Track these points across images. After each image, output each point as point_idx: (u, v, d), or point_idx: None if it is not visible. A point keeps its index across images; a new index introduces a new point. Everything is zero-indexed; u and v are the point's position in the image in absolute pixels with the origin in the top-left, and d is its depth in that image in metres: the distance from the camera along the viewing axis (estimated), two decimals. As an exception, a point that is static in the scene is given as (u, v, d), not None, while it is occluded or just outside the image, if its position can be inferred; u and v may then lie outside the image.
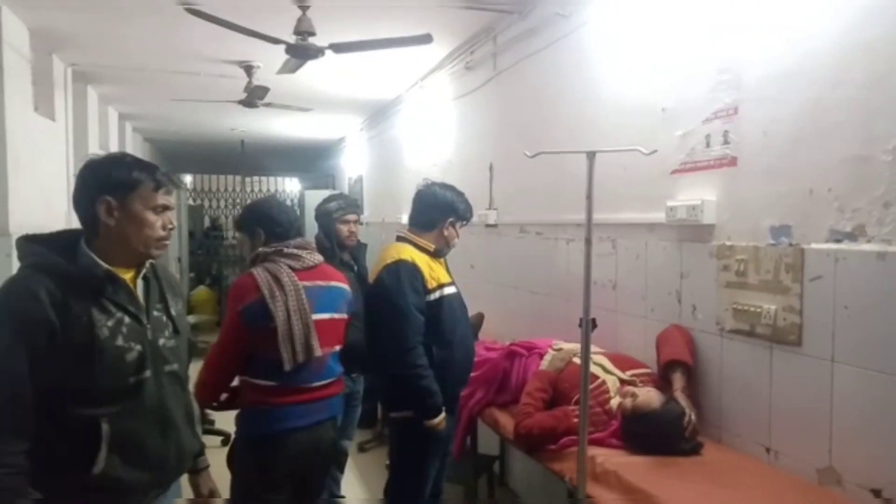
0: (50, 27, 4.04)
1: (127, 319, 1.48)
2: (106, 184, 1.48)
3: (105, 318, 1.44)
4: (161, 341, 1.55)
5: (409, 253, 2.42)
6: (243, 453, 2.11)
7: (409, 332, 2.32)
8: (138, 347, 1.48)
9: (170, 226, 1.55)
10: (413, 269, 2.37)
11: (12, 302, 1.39)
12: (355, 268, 3.29)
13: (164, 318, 1.59)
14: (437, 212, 2.53)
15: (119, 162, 1.54)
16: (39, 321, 1.37)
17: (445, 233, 2.52)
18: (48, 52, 4.54)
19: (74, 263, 1.46)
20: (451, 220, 2.53)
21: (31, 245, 1.49)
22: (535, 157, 2.08)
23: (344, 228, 3.21)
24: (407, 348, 2.32)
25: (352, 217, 3.25)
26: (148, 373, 1.50)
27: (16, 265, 3.77)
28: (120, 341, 1.45)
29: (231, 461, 2.14)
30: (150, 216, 1.51)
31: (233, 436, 2.22)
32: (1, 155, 3.55)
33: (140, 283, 1.57)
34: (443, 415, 2.37)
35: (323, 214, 3.25)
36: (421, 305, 2.36)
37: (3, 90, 3.58)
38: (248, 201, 11.42)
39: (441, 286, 2.44)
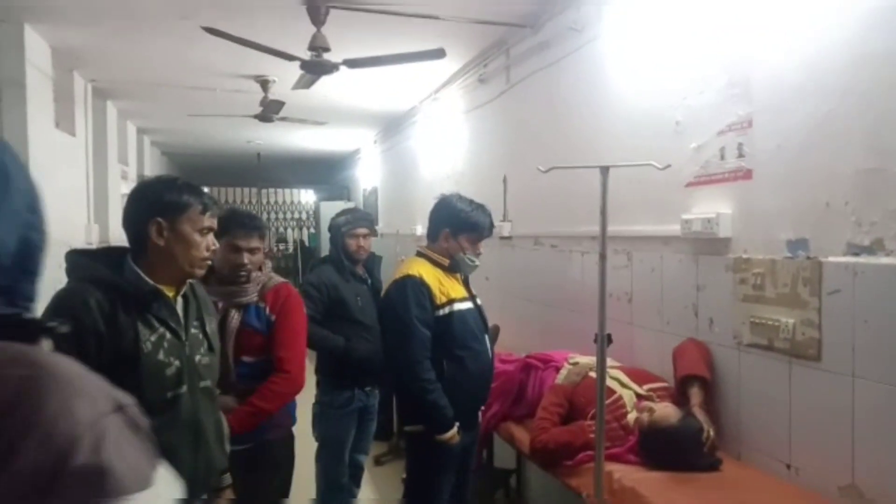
0: (71, 45, 4.13)
1: (168, 335, 1.54)
2: (158, 205, 1.55)
3: (149, 332, 1.51)
4: (197, 358, 1.61)
5: (419, 268, 2.42)
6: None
7: (414, 347, 2.32)
8: (177, 363, 1.54)
9: (213, 247, 1.62)
10: (419, 284, 2.36)
11: (64, 309, 1.44)
12: (369, 281, 3.28)
13: (201, 336, 1.65)
14: (437, 221, 2.51)
15: (171, 185, 1.60)
16: (89, 329, 1.43)
17: (445, 244, 2.46)
18: (69, 70, 4.63)
19: (122, 278, 1.52)
20: (446, 230, 2.46)
21: (81, 258, 1.57)
22: (549, 171, 2.08)
23: (352, 242, 3.19)
24: (412, 362, 2.32)
25: (361, 231, 3.22)
26: (184, 388, 1.56)
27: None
28: (161, 356, 1.51)
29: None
30: (197, 237, 1.57)
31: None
32: (23, 171, 3.63)
33: (180, 300, 1.62)
34: (454, 430, 2.35)
35: (333, 228, 3.25)
36: (427, 320, 2.34)
37: (26, 107, 3.67)
38: (265, 213, 11.54)
39: (451, 301, 2.42)
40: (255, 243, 2.21)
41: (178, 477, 0.58)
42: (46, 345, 0.62)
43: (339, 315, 3.07)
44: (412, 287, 2.36)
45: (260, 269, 2.28)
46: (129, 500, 0.50)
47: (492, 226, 2.57)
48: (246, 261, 2.18)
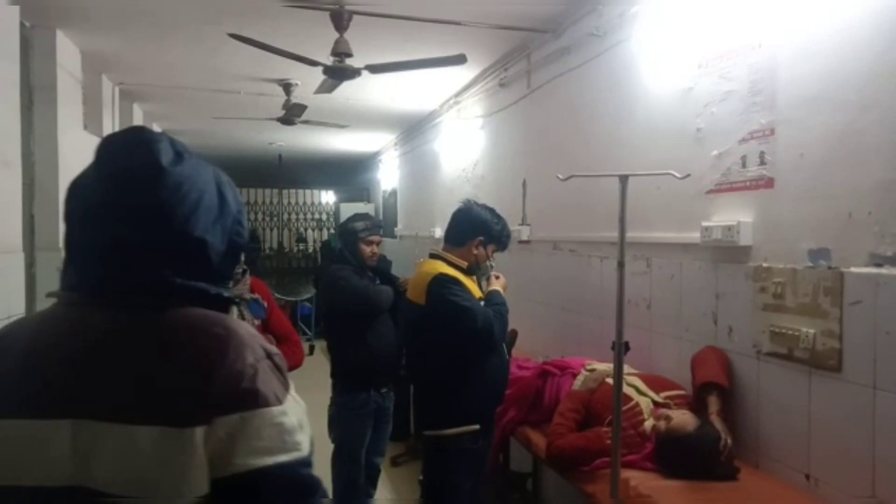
0: (100, 50, 4.23)
1: None
2: None
3: None
4: None
5: (443, 268, 2.51)
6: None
7: (481, 318, 2.40)
8: None
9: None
10: (455, 280, 2.47)
11: None
12: (377, 281, 3.35)
13: None
14: (469, 229, 2.59)
15: None
16: None
17: (475, 251, 2.57)
18: (98, 73, 4.74)
19: None
20: (480, 238, 2.57)
21: None
22: (568, 179, 2.10)
23: (367, 249, 3.23)
24: (487, 327, 2.41)
25: (376, 238, 3.29)
26: None
27: (66, 279, 3.87)
28: None
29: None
30: None
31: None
32: (53, 173, 3.71)
33: None
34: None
35: (349, 233, 3.26)
36: (477, 301, 2.47)
37: (57, 110, 3.76)
38: (285, 213, 11.65)
39: (478, 300, 2.52)
40: None
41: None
42: (233, 310, 0.99)
43: (361, 313, 3.14)
44: (451, 282, 2.45)
45: None
46: (270, 409, 0.80)
47: (510, 235, 2.76)
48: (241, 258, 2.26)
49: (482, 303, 2.53)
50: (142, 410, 0.78)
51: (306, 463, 0.83)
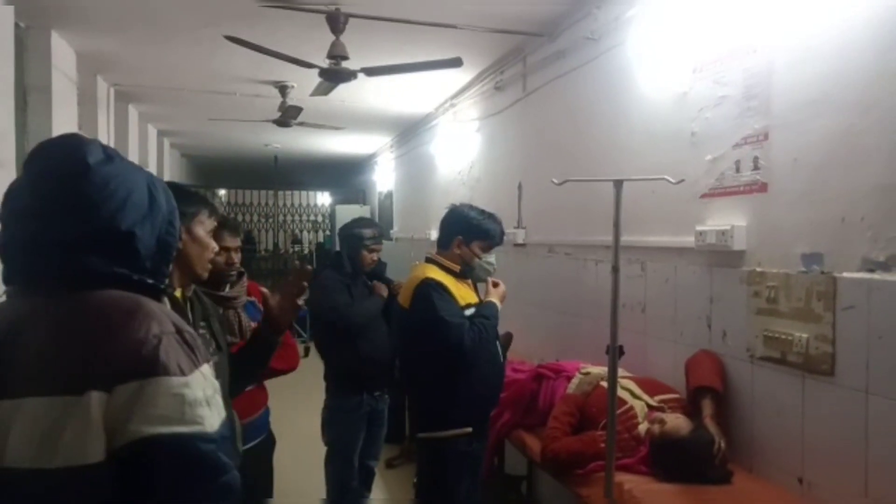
0: (95, 51, 4.22)
1: None
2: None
3: None
4: None
5: (432, 272, 2.48)
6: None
7: (454, 333, 2.34)
8: None
9: (216, 248, 1.66)
10: (440, 286, 2.42)
11: None
12: (371, 283, 3.32)
13: (209, 336, 1.67)
14: (448, 230, 2.58)
15: (179, 190, 1.63)
16: None
17: (458, 251, 2.53)
18: (93, 74, 4.72)
19: None
20: (459, 237, 2.52)
21: None
22: (563, 183, 2.10)
23: (369, 256, 3.20)
24: (459, 342, 2.33)
25: (378, 246, 3.26)
26: None
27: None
28: None
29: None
30: (208, 240, 1.60)
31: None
32: (47, 174, 3.71)
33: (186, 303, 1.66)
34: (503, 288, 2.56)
35: (355, 238, 3.19)
36: (456, 311, 2.40)
37: (52, 111, 3.75)
38: (280, 215, 11.64)
39: (468, 306, 2.48)
40: (237, 243, 2.30)
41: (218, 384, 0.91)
42: (164, 300, 1.04)
43: (339, 328, 3.08)
44: (432, 289, 2.41)
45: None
46: (169, 378, 0.82)
47: (503, 234, 2.63)
48: (235, 260, 2.26)
49: (474, 309, 2.50)
50: (44, 382, 0.81)
51: (209, 439, 0.83)
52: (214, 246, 1.63)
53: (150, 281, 0.96)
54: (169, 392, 0.81)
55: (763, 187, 2.12)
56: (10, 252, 0.93)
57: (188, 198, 1.61)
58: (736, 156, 2.23)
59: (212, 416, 0.84)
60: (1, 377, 0.84)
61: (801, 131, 1.98)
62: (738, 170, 2.23)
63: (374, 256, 3.23)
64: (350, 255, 3.18)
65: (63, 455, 0.78)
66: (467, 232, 2.52)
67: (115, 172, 0.94)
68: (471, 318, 2.43)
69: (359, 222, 3.32)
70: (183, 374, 0.83)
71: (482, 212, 2.60)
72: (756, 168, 2.15)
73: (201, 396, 0.84)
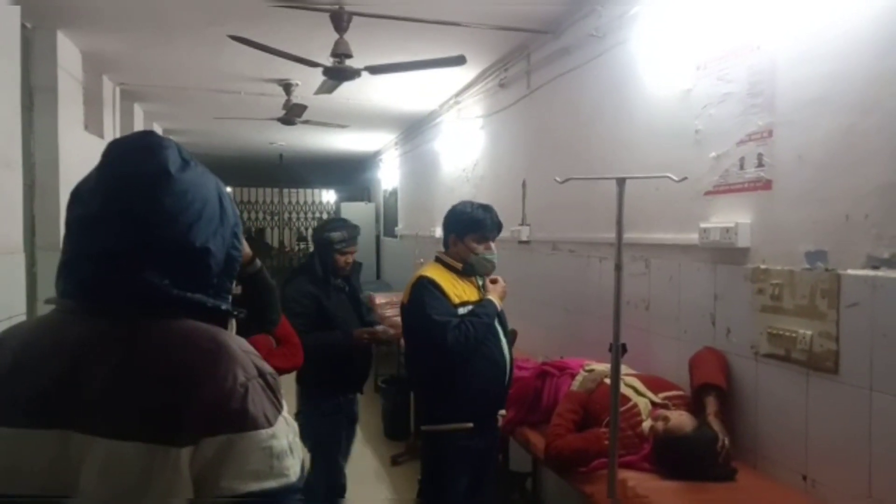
0: (101, 50, 4.24)
1: None
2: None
3: None
4: None
5: (431, 271, 2.55)
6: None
7: (437, 331, 2.38)
8: None
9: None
10: (432, 283, 2.48)
11: None
12: (346, 288, 3.23)
13: None
14: (445, 229, 2.65)
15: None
16: None
17: (454, 248, 2.59)
18: (98, 74, 4.75)
19: None
20: (452, 234, 2.58)
21: None
22: (566, 181, 2.10)
23: (341, 259, 3.10)
24: (442, 340, 2.37)
25: (352, 249, 3.15)
26: None
27: (67, 280, 3.86)
28: None
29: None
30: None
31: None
32: (54, 173, 3.73)
33: None
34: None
35: (324, 243, 3.09)
36: (445, 310, 2.43)
37: (57, 111, 3.77)
38: (286, 213, 11.65)
39: (465, 304, 2.51)
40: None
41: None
42: (231, 324, 0.95)
43: (322, 326, 3.00)
44: (424, 287, 2.47)
45: None
46: (258, 432, 0.78)
47: (495, 223, 2.61)
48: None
49: (470, 307, 2.51)
50: (127, 425, 0.76)
51: (294, 489, 0.81)
52: (248, 252, 1.58)
53: (224, 307, 0.90)
54: (258, 447, 0.77)
55: (767, 185, 2.12)
56: (72, 263, 0.85)
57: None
58: (740, 153, 2.23)
59: (295, 463, 0.82)
60: (67, 406, 0.78)
61: (806, 128, 1.97)
62: (742, 167, 2.22)
63: (348, 259, 3.14)
64: (322, 260, 3.08)
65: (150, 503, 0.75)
66: (459, 228, 2.57)
67: (192, 180, 0.87)
68: (463, 316, 2.45)
69: (329, 224, 3.24)
70: (270, 424, 0.79)
71: (472, 204, 2.63)
72: (760, 165, 2.14)
73: (286, 445, 0.81)
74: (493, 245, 2.61)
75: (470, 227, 2.56)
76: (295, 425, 0.85)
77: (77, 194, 0.88)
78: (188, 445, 0.75)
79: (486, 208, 2.62)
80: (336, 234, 3.09)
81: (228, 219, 0.92)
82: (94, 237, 0.84)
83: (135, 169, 0.85)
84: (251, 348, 0.87)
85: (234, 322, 0.95)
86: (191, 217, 0.85)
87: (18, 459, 0.79)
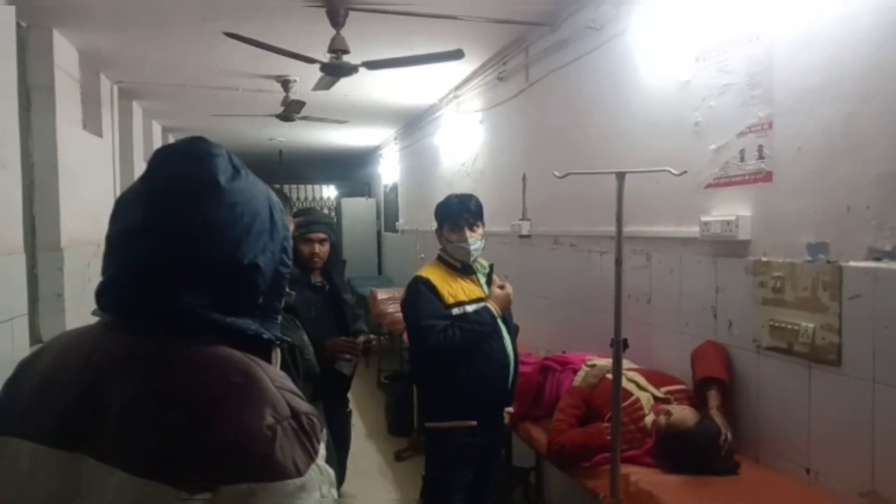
0: (98, 48, 4.22)
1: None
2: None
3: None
4: None
5: (428, 269, 2.59)
6: None
7: (420, 334, 2.46)
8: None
9: None
10: (423, 283, 2.51)
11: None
12: (327, 287, 2.98)
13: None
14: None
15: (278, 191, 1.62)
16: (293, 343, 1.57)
17: (441, 242, 2.64)
18: (96, 72, 4.73)
19: None
20: (437, 230, 2.65)
21: None
22: (565, 176, 2.09)
23: (305, 248, 2.84)
24: (425, 349, 2.47)
25: (316, 235, 2.87)
26: None
27: (67, 278, 3.88)
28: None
29: None
30: None
31: None
32: (53, 173, 3.72)
33: None
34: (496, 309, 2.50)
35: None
36: (435, 312, 2.45)
37: (55, 110, 3.75)
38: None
39: (461, 303, 2.50)
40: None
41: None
42: (275, 354, 0.85)
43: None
44: (416, 288, 2.53)
45: None
46: (285, 482, 0.68)
47: (463, 208, 2.56)
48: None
49: (470, 307, 2.50)
50: (142, 460, 0.69)
51: None
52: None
53: (266, 336, 0.81)
54: (284, 500, 0.68)
55: (768, 176, 2.10)
56: (111, 277, 0.79)
57: (280, 195, 1.55)
58: (740, 145, 2.21)
59: None
60: (87, 429, 0.73)
61: (805, 119, 1.96)
62: (742, 159, 2.21)
63: (314, 248, 2.86)
64: (294, 256, 2.92)
65: None
66: (438, 220, 2.64)
67: (243, 191, 0.80)
68: (456, 316, 2.45)
69: (293, 216, 2.97)
70: (300, 473, 0.69)
71: (451, 195, 2.69)
72: (760, 157, 2.13)
73: (317, 499, 0.71)
74: (469, 232, 2.53)
75: (443, 216, 2.61)
76: (331, 474, 0.76)
77: (120, 205, 0.82)
78: (203, 492, 0.66)
79: (461, 196, 2.65)
80: (294, 222, 2.89)
81: (278, 233, 0.84)
82: (132, 250, 0.78)
83: (180, 178, 0.79)
84: (289, 384, 0.78)
85: (278, 352, 0.86)
86: (239, 232, 0.78)
87: (33, 477, 0.75)
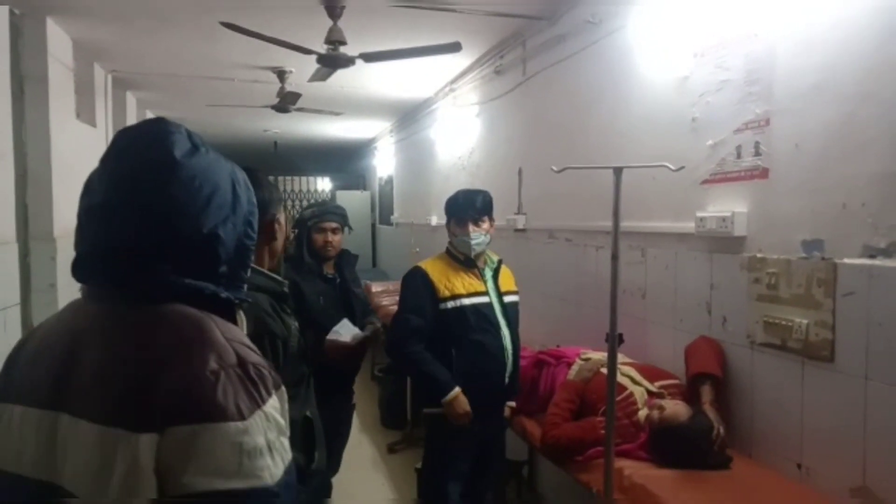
0: (92, 38, 4.18)
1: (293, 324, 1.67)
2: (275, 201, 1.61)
3: (287, 325, 1.64)
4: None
5: (429, 262, 2.63)
6: None
7: (396, 329, 2.56)
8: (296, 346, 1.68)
9: None
10: (420, 276, 2.56)
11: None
12: (338, 280, 3.01)
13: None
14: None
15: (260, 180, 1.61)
16: (276, 334, 1.55)
17: (449, 237, 2.68)
18: (90, 61, 4.69)
19: (273, 281, 1.57)
20: (446, 224, 2.69)
21: None
22: (562, 171, 2.09)
23: (319, 238, 2.89)
24: (395, 341, 2.56)
25: (329, 225, 2.92)
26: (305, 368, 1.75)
27: (60, 268, 3.87)
28: (294, 344, 1.64)
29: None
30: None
31: None
32: (46, 163, 3.69)
33: None
34: (455, 392, 2.46)
35: (299, 223, 2.94)
36: (420, 307, 2.51)
37: (48, 100, 3.72)
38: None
39: (457, 296, 2.52)
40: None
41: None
42: (240, 316, 0.93)
43: (299, 311, 2.78)
44: (412, 278, 2.58)
45: None
46: (227, 424, 0.72)
47: (469, 204, 2.60)
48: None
49: (485, 297, 2.56)
50: (100, 408, 0.75)
51: (270, 493, 0.74)
52: (289, 232, 1.64)
53: (224, 295, 0.86)
54: (226, 441, 0.71)
55: (764, 173, 2.11)
56: (82, 252, 0.85)
57: (270, 186, 1.60)
58: (737, 141, 2.21)
59: (274, 464, 0.75)
60: (63, 388, 0.79)
61: (803, 117, 1.96)
62: (739, 155, 2.21)
63: (327, 237, 2.91)
64: (301, 243, 2.91)
65: (113, 495, 0.72)
66: (446, 214, 2.67)
67: (201, 166, 0.85)
68: (449, 311, 2.51)
69: (306, 207, 3.09)
70: (242, 417, 0.73)
71: (462, 190, 2.73)
72: (757, 154, 2.13)
73: (262, 443, 0.74)
74: (473, 227, 2.56)
75: (450, 211, 2.65)
76: (281, 423, 0.79)
77: (87, 186, 0.87)
78: (148, 432, 0.71)
79: (467, 192, 2.68)
80: (307, 212, 2.97)
81: (242, 207, 0.89)
82: (98, 227, 0.83)
83: (139, 157, 0.83)
84: (242, 338, 0.83)
85: (242, 314, 0.90)
86: (199, 204, 0.83)
87: (23, 437, 0.81)
